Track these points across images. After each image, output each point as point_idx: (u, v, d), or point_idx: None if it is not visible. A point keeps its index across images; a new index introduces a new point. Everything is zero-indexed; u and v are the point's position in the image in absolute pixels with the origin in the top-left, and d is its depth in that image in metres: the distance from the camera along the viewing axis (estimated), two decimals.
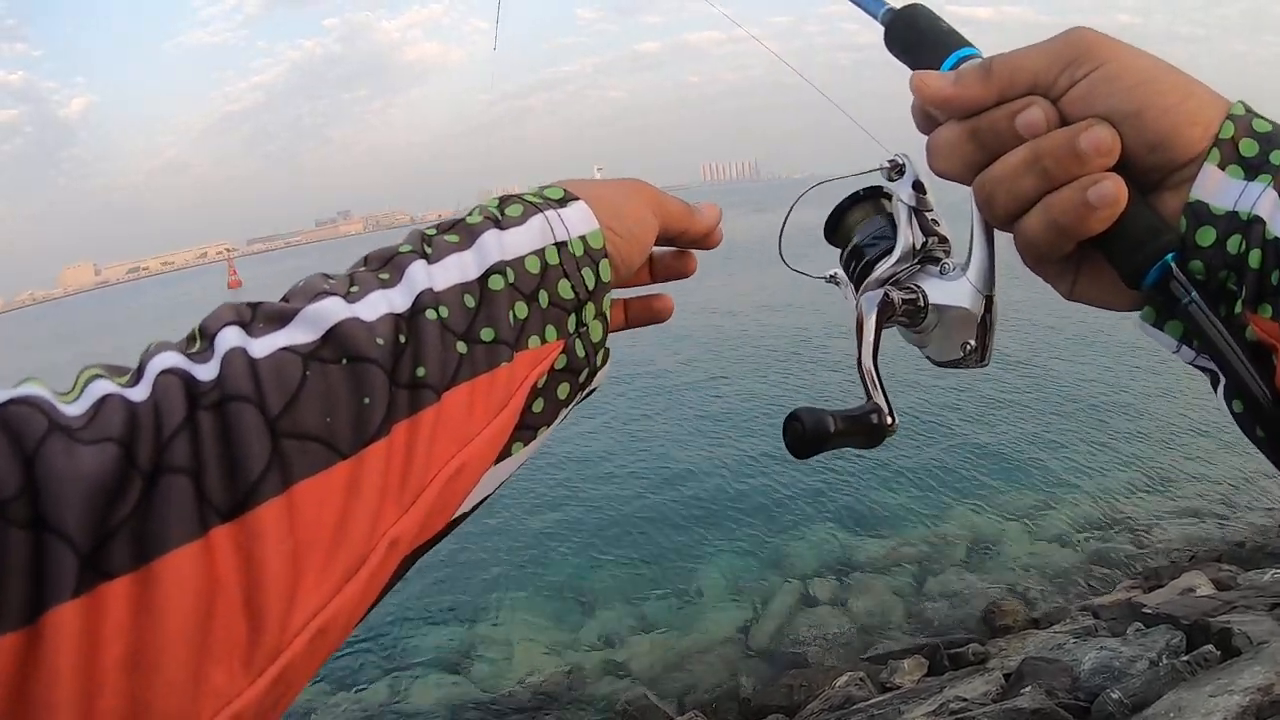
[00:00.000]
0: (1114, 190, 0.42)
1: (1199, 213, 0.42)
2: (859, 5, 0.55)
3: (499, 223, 0.46)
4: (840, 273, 0.56)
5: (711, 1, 0.77)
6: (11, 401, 0.31)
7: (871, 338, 0.50)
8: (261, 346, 0.37)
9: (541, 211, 0.47)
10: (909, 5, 0.52)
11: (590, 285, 0.47)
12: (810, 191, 0.60)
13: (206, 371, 0.36)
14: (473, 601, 6.09)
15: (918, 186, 0.51)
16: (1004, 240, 0.49)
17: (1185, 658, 3.42)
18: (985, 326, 0.50)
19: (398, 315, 0.40)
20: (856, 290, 0.53)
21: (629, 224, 0.51)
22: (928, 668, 4.49)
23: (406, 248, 0.45)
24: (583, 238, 0.47)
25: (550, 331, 0.45)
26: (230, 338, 0.37)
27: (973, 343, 0.51)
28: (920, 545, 6.17)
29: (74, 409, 0.33)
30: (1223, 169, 0.41)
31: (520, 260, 0.45)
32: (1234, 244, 0.41)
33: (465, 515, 0.43)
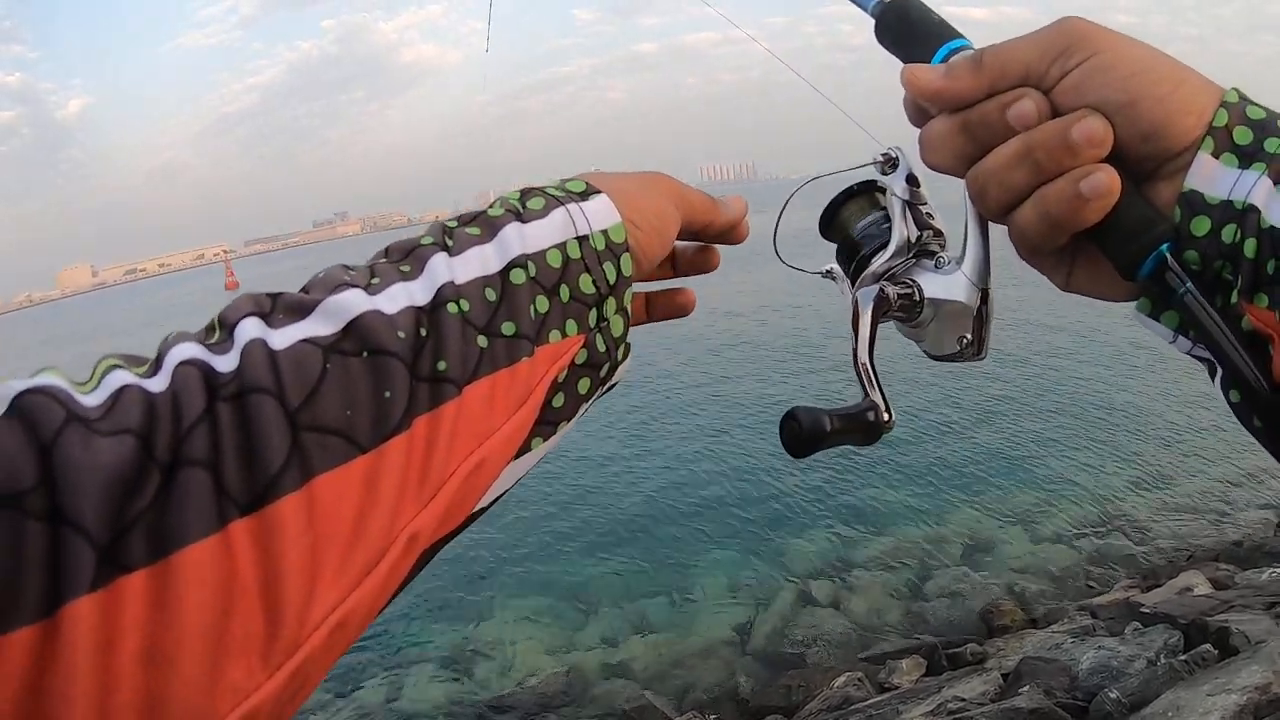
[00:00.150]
0: (1106, 182, 0.42)
1: (1193, 202, 0.42)
2: None
3: (520, 215, 0.46)
4: (836, 268, 0.55)
5: (708, 2, 0.77)
6: (28, 391, 0.31)
7: (867, 333, 0.49)
8: (282, 338, 0.36)
9: (563, 205, 0.47)
10: None
11: (612, 280, 0.47)
12: (805, 187, 0.60)
13: (226, 363, 0.35)
14: (472, 602, 6.09)
15: (911, 180, 0.51)
16: (999, 233, 0.48)
17: (1183, 657, 3.42)
18: (981, 320, 0.50)
19: (419, 308, 0.40)
20: (852, 285, 0.52)
21: (650, 217, 0.50)
22: (926, 668, 4.49)
23: (428, 240, 0.44)
24: (604, 231, 0.47)
25: (571, 326, 0.45)
26: (250, 329, 0.37)
27: (969, 336, 0.50)
28: (918, 545, 6.17)
29: (92, 399, 0.32)
30: (1217, 157, 0.41)
31: (542, 254, 0.45)
32: (1229, 233, 0.41)
33: (483, 510, 0.43)
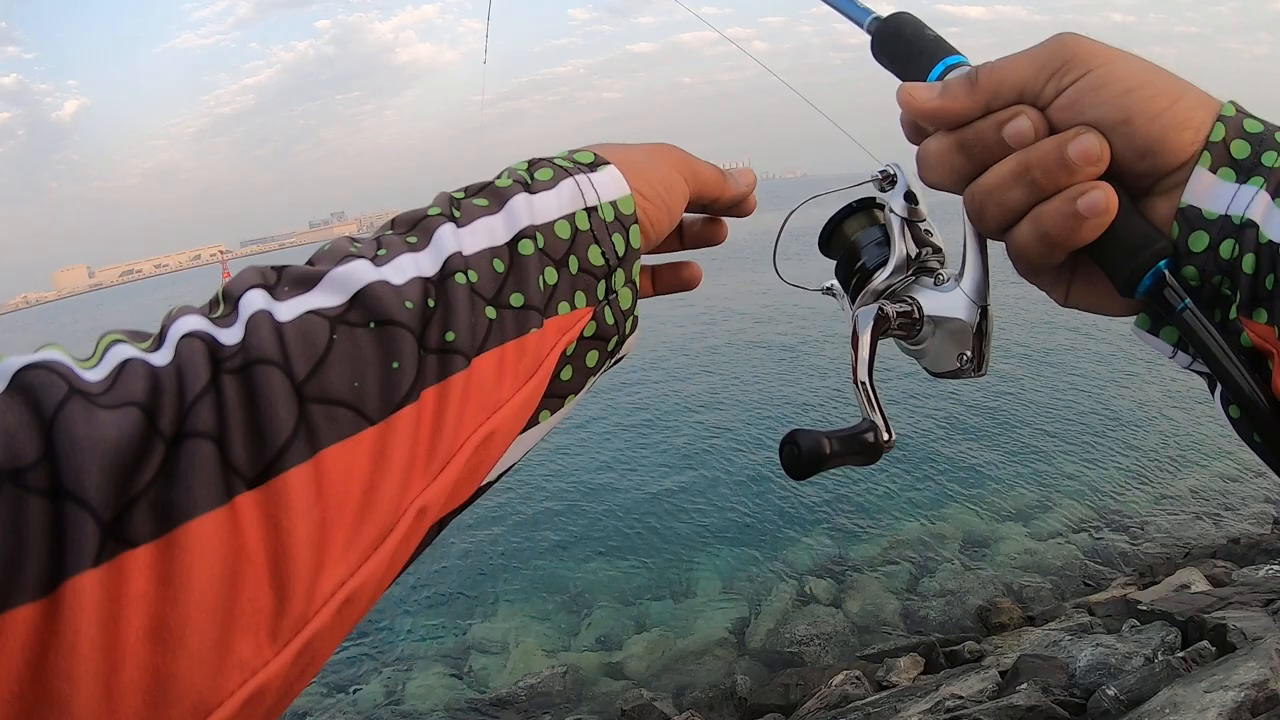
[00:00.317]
0: (1103, 200, 0.41)
1: (1191, 218, 0.41)
2: (845, 14, 0.55)
3: (528, 186, 0.45)
4: (835, 285, 0.55)
5: (701, 17, 0.76)
6: (30, 366, 0.30)
7: (867, 353, 0.49)
8: (288, 310, 0.36)
9: (572, 176, 0.46)
10: (894, 14, 0.52)
11: (620, 251, 0.46)
12: (801, 205, 0.60)
13: (230, 335, 0.34)
14: (470, 601, 6.09)
15: (909, 197, 0.51)
16: (998, 249, 0.48)
17: (1180, 654, 3.43)
18: (981, 336, 0.50)
19: (426, 279, 0.39)
20: (852, 303, 0.52)
21: (659, 189, 0.49)
22: (924, 666, 4.50)
23: (435, 210, 0.43)
24: (613, 203, 0.46)
25: (580, 298, 0.44)
26: (255, 300, 0.36)
27: (969, 353, 0.50)
28: (916, 543, 6.18)
29: (94, 374, 0.31)
30: (1214, 172, 0.41)
31: (550, 225, 0.44)
32: (1227, 249, 0.40)
33: (491, 483, 0.42)
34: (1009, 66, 0.44)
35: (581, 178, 0.46)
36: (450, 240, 0.41)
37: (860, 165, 0.53)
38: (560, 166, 0.47)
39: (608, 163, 0.48)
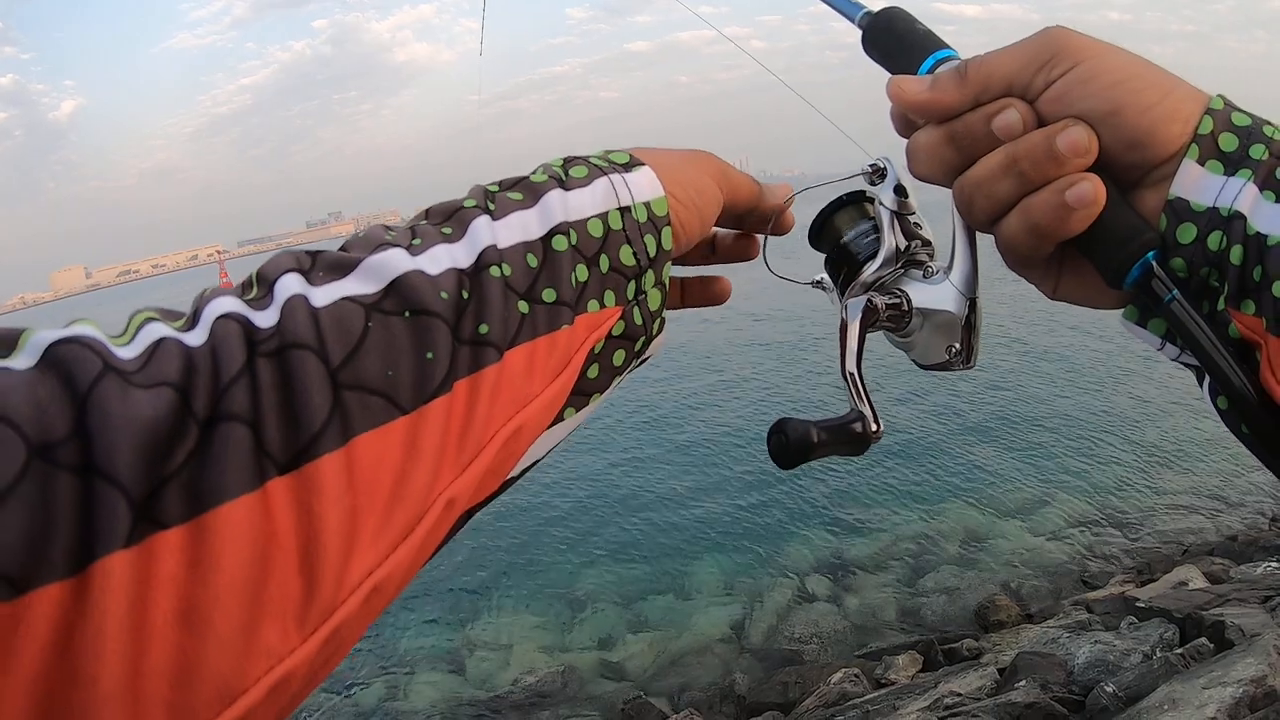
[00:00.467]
0: (1092, 191, 0.42)
1: (1179, 210, 0.42)
2: (836, 9, 0.55)
3: (563, 183, 0.45)
4: (825, 278, 0.56)
5: (699, 15, 0.77)
6: (63, 341, 0.30)
7: (855, 344, 0.49)
8: (323, 295, 0.36)
9: (607, 175, 0.46)
10: (885, 9, 0.52)
11: (651, 252, 0.46)
12: (794, 198, 0.60)
13: (265, 318, 0.34)
14: (469, 601, 6.09)
15: (899, 190, 0.51)
16: (987, 242, 0.49)
17: (1179, 651, 3.43)
18: (970, 329, 0.50)
19: (461, 270, 0.39)
20: (841, 295, 0.53)
21: (692, 193, 0.49)
22: (922, 663, 4.50)
23: (470, 203, 0.43)
24: (647, 204, 0.46)
25: (609, 296, 0.44)
26: (291, 284, 0.36)
27: (957, 345, 0.50)
28: (914, 541, 6.19)
29: (128, 351, 0.31)
30: (1202, 164, 0.41)
31: (583, 222, 0.44)
32: (1215, 240, 0.41)
33: (516, 478, 0.42)
34: (998, 60, 0.45)
35: (616, 177, 0.46)
36: (485, 233, 0.41)
37: (858, 162, 0.53)
38: (595, 165, 0.47)
39: (643, 164, 0.48)
